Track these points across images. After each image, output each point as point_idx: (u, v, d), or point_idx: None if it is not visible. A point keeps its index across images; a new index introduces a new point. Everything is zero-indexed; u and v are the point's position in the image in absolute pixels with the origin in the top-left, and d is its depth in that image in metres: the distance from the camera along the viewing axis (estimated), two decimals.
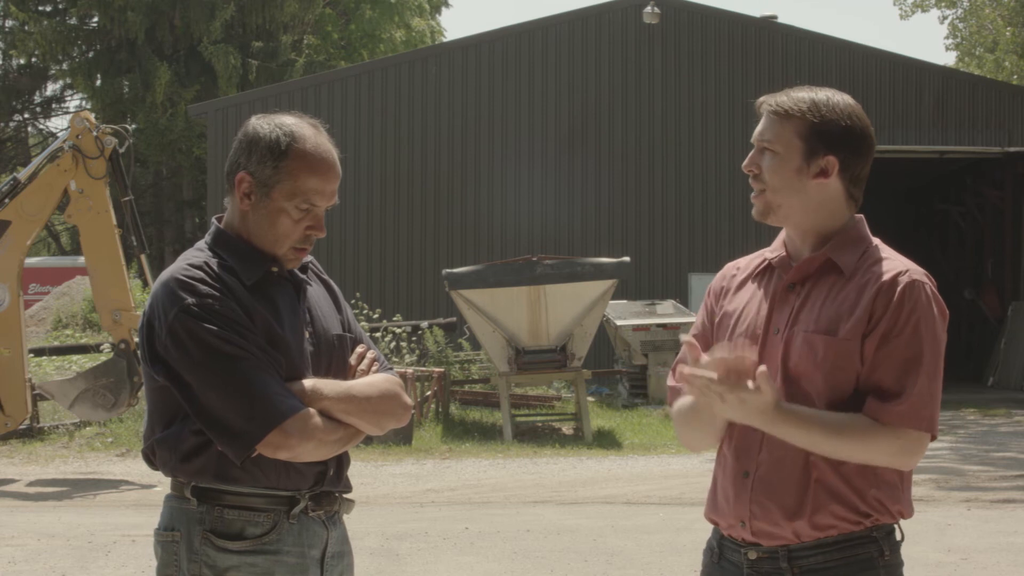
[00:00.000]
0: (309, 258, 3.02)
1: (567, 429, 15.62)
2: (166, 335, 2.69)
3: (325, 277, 3.07)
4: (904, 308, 2.65)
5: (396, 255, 23.35)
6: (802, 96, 2.78)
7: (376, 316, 19.80)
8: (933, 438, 2.67)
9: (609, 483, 11.65)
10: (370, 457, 13.10)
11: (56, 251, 40.73)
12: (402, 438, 13.93)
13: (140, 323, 2.81)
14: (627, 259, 15.67)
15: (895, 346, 2.64)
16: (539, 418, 16.36)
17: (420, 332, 18.99)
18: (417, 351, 18.56)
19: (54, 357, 17.61)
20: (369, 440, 13.77)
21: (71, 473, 12.42)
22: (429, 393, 16.09)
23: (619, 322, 18.66)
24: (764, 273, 2.90)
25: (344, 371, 2.91)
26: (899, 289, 2.67)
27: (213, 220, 2.94)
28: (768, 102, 2.81)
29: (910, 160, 26.17)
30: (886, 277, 2.69)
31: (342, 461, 2.91)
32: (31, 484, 11.64)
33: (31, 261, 24.87)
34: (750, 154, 2.83)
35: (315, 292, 2.98)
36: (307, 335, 2.86)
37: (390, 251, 23.34)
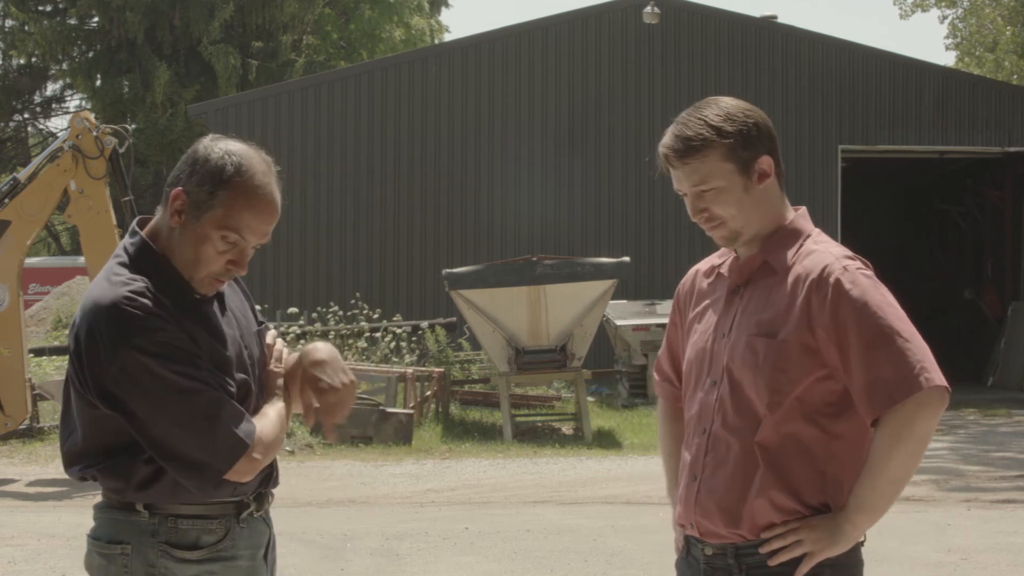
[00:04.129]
0: None
1: (567, 429, 15.62)
2: (118, 371, 2.61)
3: None
4: (842, 302, 2.64)
5: (396, 255, 23.34)
6: (699, 128, 2.75)
7: (376, 316, 19.80)
8: (945, 387, 2.60)
9: (609, 483, 11.65)
10: (370, 457, 13.10)
11: (56, 251, 40.71)
12: (402, 438, 13.93)
13: (72, 343, 2.71)
14: (627, 259, 15.67)
15: (852, 340, 2.63)
16: (539, 418, 16.35)
17: (420, 332, 19.00)
18: (417, 351, 18.56)
19: (54, 357, 17.59)
20: (369, 440, 13.78)
21: None
22: (429, 393, 16.09)
23: (619, 322, 18.66)
24: (718, 276, 2.95)
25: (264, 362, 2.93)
26: (831, 284, 2.66)
27: (134, 226, 2.84)
28: (672, 155, 2.78)
29: (910, 160, 26.17)
30: (814, 275, 2.69)
31: (275, 460, 2.94)
32: (31, 484, 11.63)
33: (31, 261, 24.87)
34: (688, 204, 2.82)
35: (229, 293, 2.94)
36: (240, 341, 2.86)
37: (390, 251, 23.33)
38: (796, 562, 2.68)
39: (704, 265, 3.04)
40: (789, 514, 2.68)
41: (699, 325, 2.92)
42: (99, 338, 2.64)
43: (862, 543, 2.78)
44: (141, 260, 2.76)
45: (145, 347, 2.61)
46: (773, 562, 2.69)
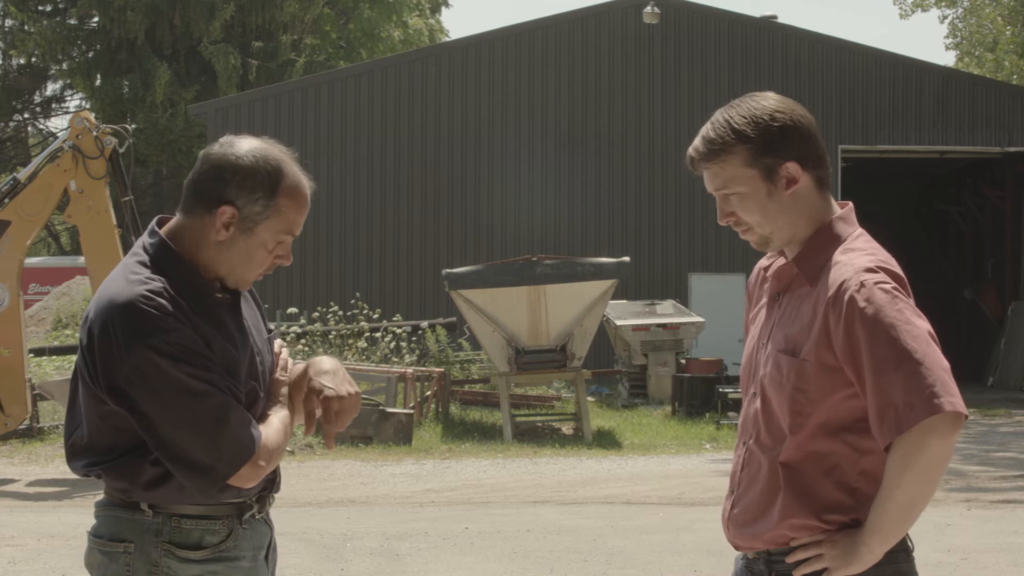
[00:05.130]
0: None
1: (567, 429, 15.62)
2: (130, 368, 2.61)
3: None
4: (855, 321, 2.54)
5: (396, 255, 23.35)
6: (722, 130, 2.70)
7: (376, 316, 19.79)
8: (956, 412, 2.46)
9: (609, 483, 11.65)
10: (370, 457, 13.10)
11: (56, 251, 40.71)
12: (402, 438, 13.93)
13: (84, 337, 2.70)
14: (627, 259, 15.67)
15: (864, 362, 2.54)
16: (539, 418, 16.36)
17: (420, 332, 19.00)
18: (417, 351, 18.56)
19: (54, 357, 17.60)
20: (369, 440, 13.79)
21: (71, 473, 12.36)
22: (429, 393, 16.09)
23: (619, 322, 18.66)
24: (767, 279, 2.89)
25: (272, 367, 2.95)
26: (845, 301, 2.56)
27: (154, 226, 2.83)
28: (696, 157, 2.74)
29: (910, 160, 26.20)
30: (832, 291, 2.59)
31: (278, 465, 2.96)
32: (31, 484, 11.63)
33: (31, 261, 24.87)
34: (718, 207, 2.76)
35: (244, 297, 2.95)
36: (252, 343, 2.87)
37: (390, 251, 23.34)
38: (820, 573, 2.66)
39: (763, 263, 2.94)
40: (807, 528, 2.65)
41: (753, 329, 2.86)
42: (113, 335, 2.63)
43: (909, 551, 2.71)
44: (160, 260, 2.76)
45: (159, 347, 2.61)
46: (797, 573, 2.67)
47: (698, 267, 23.52)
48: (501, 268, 15.21)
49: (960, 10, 37.98)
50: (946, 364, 2.53)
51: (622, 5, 23.92)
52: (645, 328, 18.52)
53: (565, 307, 14.79)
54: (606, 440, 14.63)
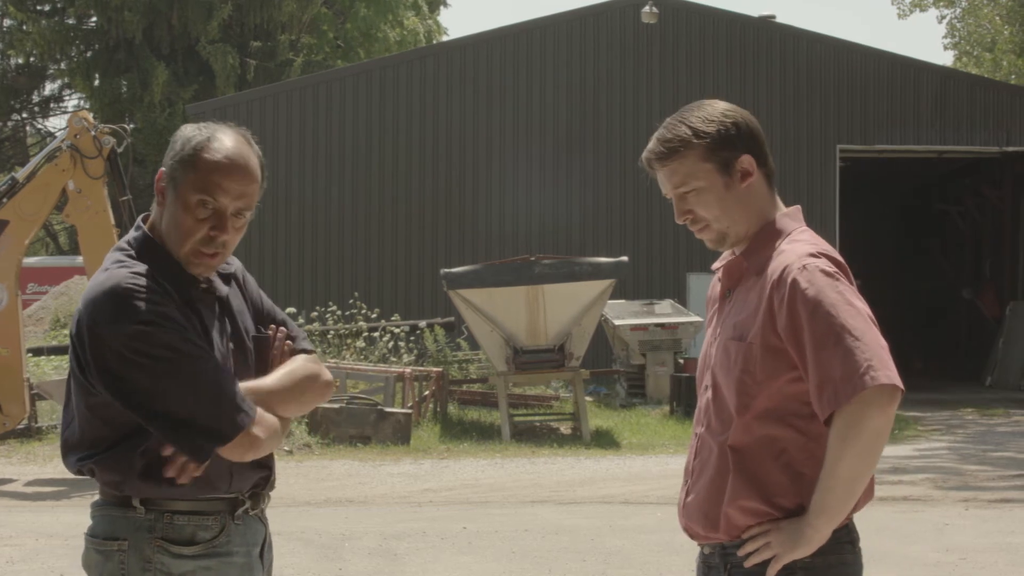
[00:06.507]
0: (233, 267, 2.99)
1: (565, 429, 15.62)
2: (120, 346, 2.63)
3: (233, 272, 3.01)
4: (797, 302, 2.64)
5: (395, 255, 23.34)
6: (677, 130, 2.82)
7: (375, 316, 19.79)
8: (893, 385, 2.56)
9: (607, 483, 11.66)
10: (368, 457, 13.10)
11: (54, 251, 40.68)
12: (400, 438, 13.93)
13: (74, 328, 2.73)
14: (625, 259, 15.68)
15: (806, 340, 2.63)
16: (537, 418, 16.36)
17: (418, 332, 19.00)
18: (415, 351, 18.56)
19: (52, 357, 17.58)
20: (367, 440, 13.78)
21: (68, 473, 12.35)
22: (427, 393, 16.09)
23: (617, 322, 18.66)
24: (720, 278, 2.99)
25: (264, 370, 2.93)
26: (788, 284, 2.66)
27: (139, 222, 2.89)
28: (653, 158, 2.86)
29: (909, 160, 26.19)
30: (776, 276, 2.70)
31: (273, 462, 2.96)
32: (29, 484, 11.63)
33: (29, 261, 24.84)
34: (675, 206, 2.86)
35: (234, 296, 2.97)
36: (230, 346, 2.88)
37: (389, 251, 23.33)
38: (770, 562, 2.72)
39: (715, 266, 3.05)
40: (762, 517, 2.71)
41: (709, 329, 2.96)
42: (102, 318, 2.67)
43: (854, 542, 2.77)
44: (142, 250, 2.81)
45: (148, 319, 2.64)
46: (748, 563, 2.74)
47: (696, 267, 23.50)
48: (499, 268, 15.21)
49: (958, 10, 38.01)
50: (884, 343, 2.63)
51: (620, 5, 23.92)
52: (643, 328, 18.52)
53: (563, 307, 14.79)
54: (604, 440, 14.64)
